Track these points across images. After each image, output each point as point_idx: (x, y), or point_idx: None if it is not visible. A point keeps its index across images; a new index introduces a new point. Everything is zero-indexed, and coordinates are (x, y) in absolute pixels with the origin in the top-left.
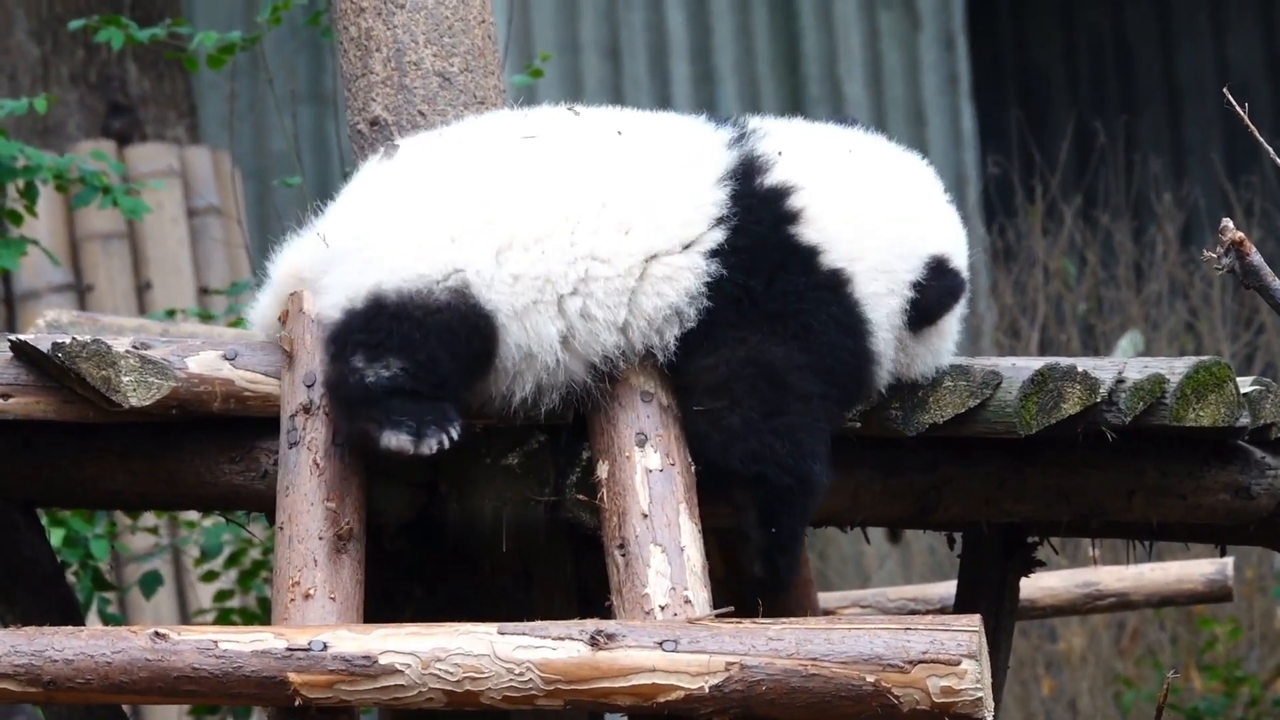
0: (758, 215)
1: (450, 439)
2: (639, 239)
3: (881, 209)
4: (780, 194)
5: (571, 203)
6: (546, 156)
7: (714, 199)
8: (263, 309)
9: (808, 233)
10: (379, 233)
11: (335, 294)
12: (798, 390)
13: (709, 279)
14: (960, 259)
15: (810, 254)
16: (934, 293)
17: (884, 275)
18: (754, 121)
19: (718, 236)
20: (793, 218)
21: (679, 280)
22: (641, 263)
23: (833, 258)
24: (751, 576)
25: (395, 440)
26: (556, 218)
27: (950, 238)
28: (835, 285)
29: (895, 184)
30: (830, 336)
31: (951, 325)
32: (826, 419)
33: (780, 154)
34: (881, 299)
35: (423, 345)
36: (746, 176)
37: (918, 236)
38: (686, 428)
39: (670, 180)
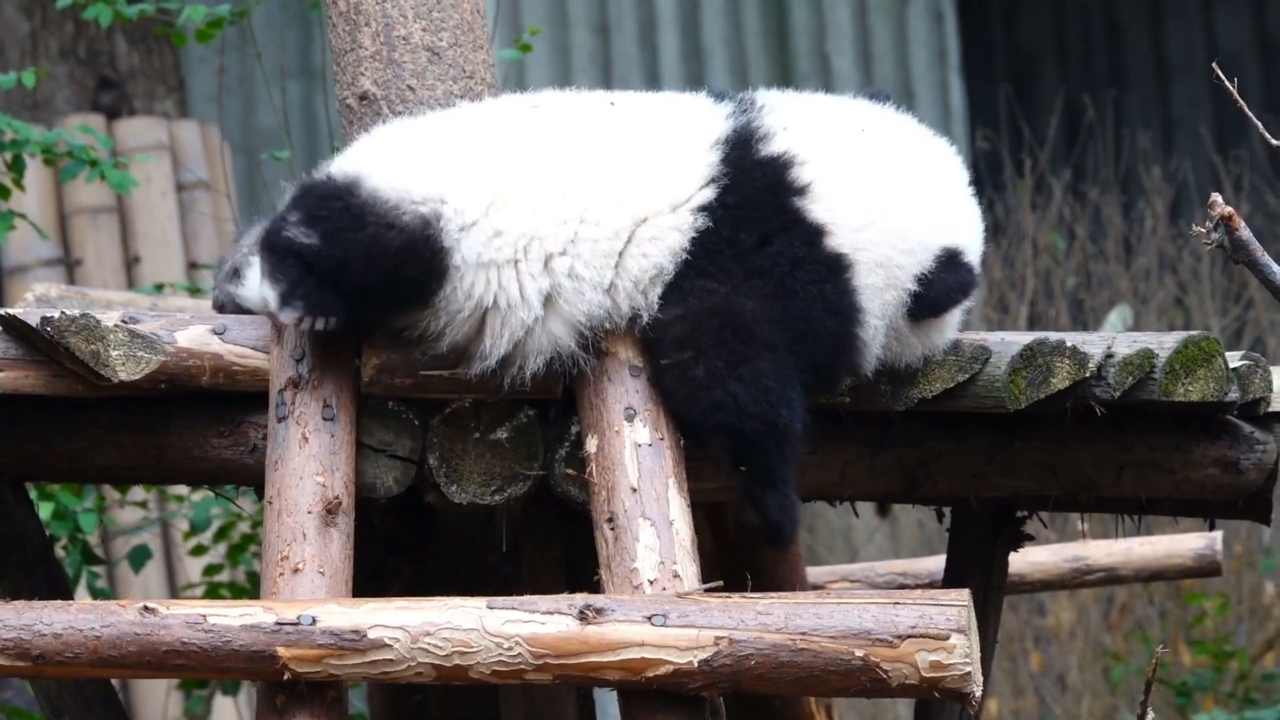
0: (752, 178)
1: (314, 326)
2: (628, 202)
3: (893, 196)
4: (780, 163)
5: (569, 167)
6: (554, 125)
7: (706, 161)
8: None
9: (815, 209)
10: (385, 145)
11: (338, 161)
12: (765, 339)
13: (694, 234)
14: (974, 253)
15: (815, 232)
16: (940, 287)
17: (885, 269)
18: (765, 96)
19: (707, 195)
20: (798, 190)
21: (665, 239)
22: (630, 225)
23: (838, 241)
24: (753, 531)
25: (264, 290)
26: (553, 180)
27: (965, 230)
28: (835, 267)
29: (911, 169)
30: (814, 309)
31: (953, 319)
32: (797, 370)
33: (785, 127)
34: (879, 292)
35: (353, 244)
36: (741, 143)
37: (929, 228)
38: (655, 384)
39: (664, 147)
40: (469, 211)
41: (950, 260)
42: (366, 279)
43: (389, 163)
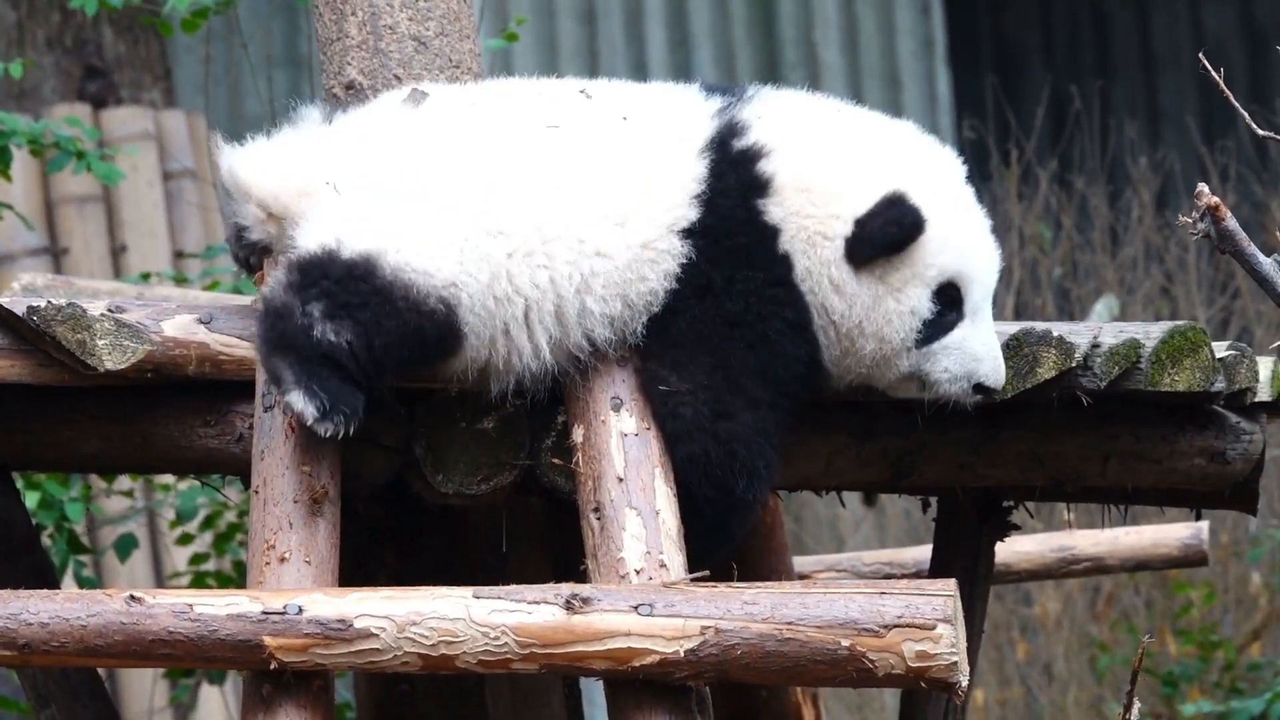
0: (727, 183)
1: (348, 431)
2: (635, 229)
3: (837, 160)
4: (750, 154)
5: (572, 201)
6: (554, 151)
7: (694, 175)
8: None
9: (772, 209)
10: (395, 207)
11: (327, 227)
12: (749, 395)
13: (684, 257)
14: (932, 210)
15: (773, 232)
16: (876, 221)
17: (818, 237)
18: (754, 90)
19: (694, 213)
20: (761, 186)
21: (661, 264)
22: (639, 252)
23: (784, 240)
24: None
25: (301, 404)
26: (560, 219)
27: (915, 181)
28: (785, 274)
29: (866, 139)
30: (785, 347)
31: (899, 278)
32: (775, 425)
33: (760, 118)
34: (807, 252)
35: (387, 333)
36: (723, 144)
37: (871, 179)
38: (647, 395)
39: (661, 161)
40: (476, 289)
41: (891, 200)
42: (400, 363)
43: (399, 234)
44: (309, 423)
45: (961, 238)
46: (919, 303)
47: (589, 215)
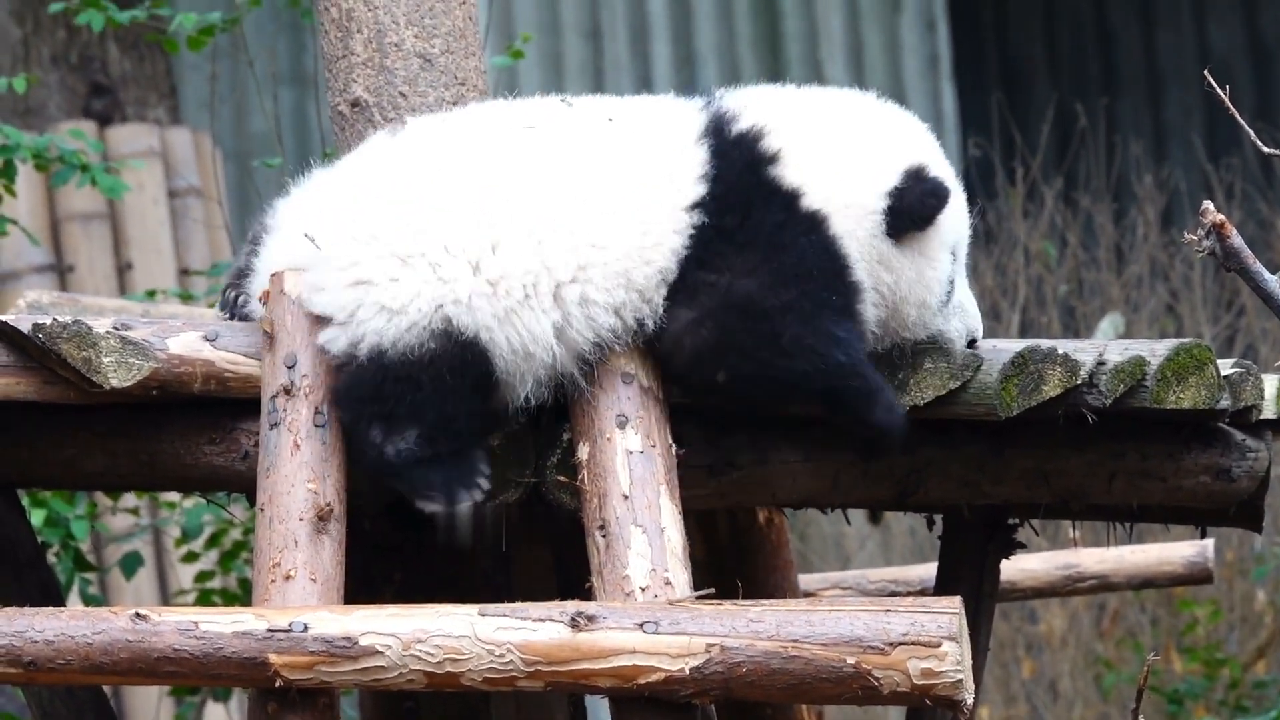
0: (731, 159)
1: (481, 490)
2: (636, 217)
3: (849, 139)
4: (751, 136)
5: (564, 195)
6: (538, 150)
7: (697, 159)
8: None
9: (788, 174)
10: (371, 256)
11: (332, 313)
12: (781, 305)
13: (691, 231)
14: (939, 169)
15: (792, 195)
16: (912, 195)
17: (855, 207)
18: (722, 90)
19: (700, 190)
20: (771, 159)
21: (666, 243)
22: (639, 240)
23: (810, 199)
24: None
25: (430, 507)
26: (551, 211)
27: (925, 153)
28: (814, 221)
29: (867, 116)
30: (810, 262)
31: (934, 247)
32: (817, 309)
33: (747, 106)
34: (854, 235)
35: (429, 405)
36: (719, 130)
37: (891, 152)
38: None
39: (659, 152)
40: (461, 292)
41: (917, 173)
42: (463, 405)
43: (380, 293)
44: (448, 513)
45: (958, 202)
46: (946, 266)
47: (582, 209)
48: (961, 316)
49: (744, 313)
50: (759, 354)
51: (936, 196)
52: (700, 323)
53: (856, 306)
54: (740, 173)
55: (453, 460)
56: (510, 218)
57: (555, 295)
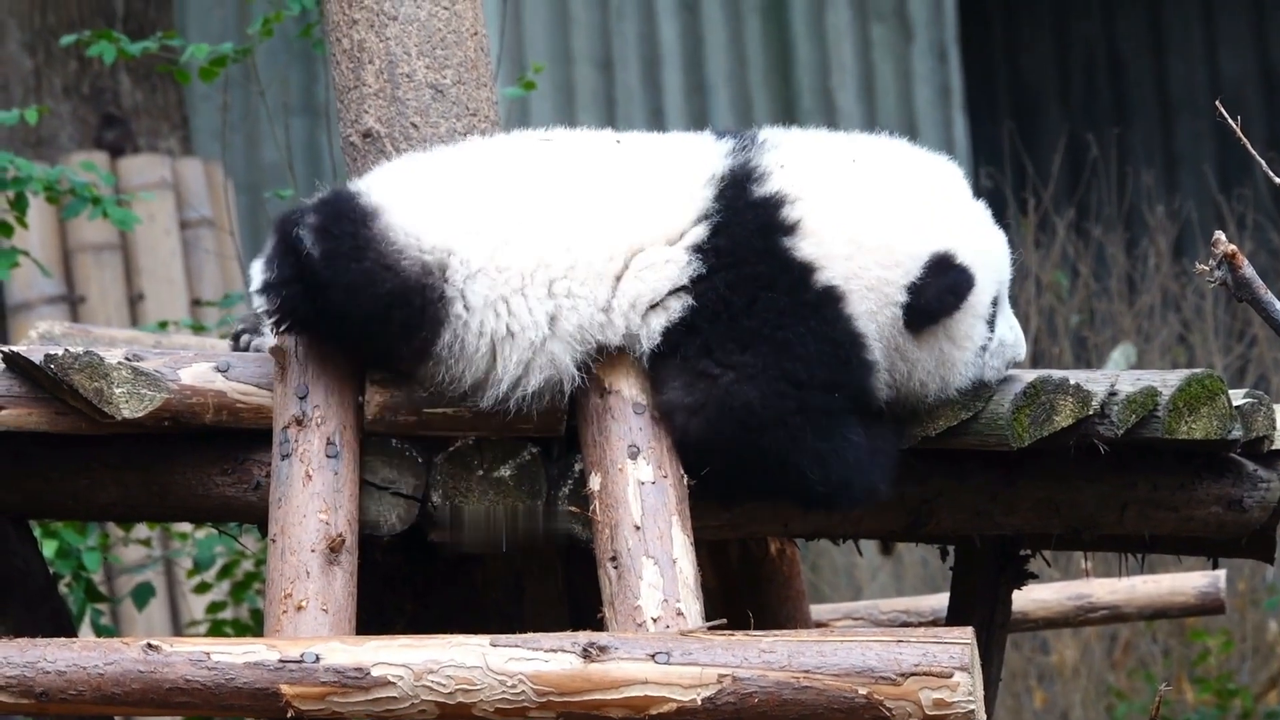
0: (744, 218)
1: (274, 326)
2: (624, 230)
3: (878, 217)
4: (773, 203)
5: (572, 201)
6: (559, 161)
7: (700, 197)
8: None
9: (803, 246)
10: (415, 181)
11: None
12: (778, 414)
13: (691, 274)
14: (969, 256)
15: (804, 269)
16: (931, 291)
17: (875, 290)
18: (768, 133)
19: (700, 232)
20: (788, 229)
21: (661, 270)
22: (625, 251)
23: (828, 274)
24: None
25: (257, 266)
26: (557, 213)
27: (958, 235)
28: (825, 300)
29: (898, 188)
30: (818, 352)
31: (963, 330)
32: (822, 417)
33: (782, 165)
34: (874, 315)
35: (342, 272)
36: (737, 182)
37: (916, 239)
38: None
39: (661, 182)
40: (475, 260)
41: (940, 264)
42: (348, 309)
43: (411, 202)
44: (254, 287)
45: (991, 254)
46: (979, 336)
47: (580, 213)
48: (1001, 353)
49: (741, 425)
50: (745, 465)
51: (955, 294)
52: (694, 412)
53: (868, 383)
54: (751, 234)
55: (302, 289)
56: (519, 220)
57: (549, 288)
